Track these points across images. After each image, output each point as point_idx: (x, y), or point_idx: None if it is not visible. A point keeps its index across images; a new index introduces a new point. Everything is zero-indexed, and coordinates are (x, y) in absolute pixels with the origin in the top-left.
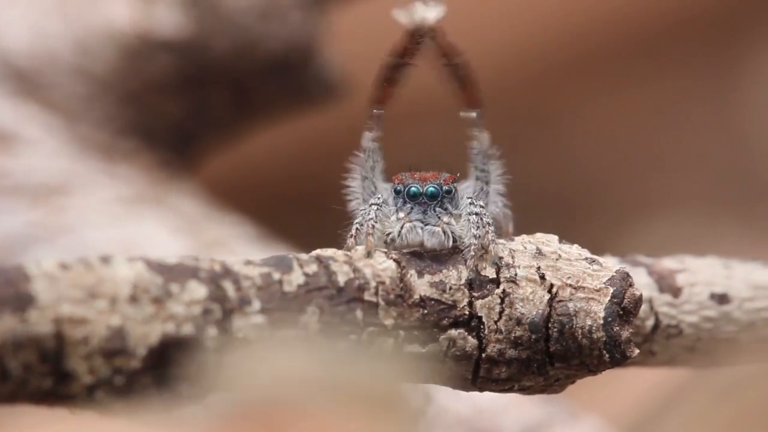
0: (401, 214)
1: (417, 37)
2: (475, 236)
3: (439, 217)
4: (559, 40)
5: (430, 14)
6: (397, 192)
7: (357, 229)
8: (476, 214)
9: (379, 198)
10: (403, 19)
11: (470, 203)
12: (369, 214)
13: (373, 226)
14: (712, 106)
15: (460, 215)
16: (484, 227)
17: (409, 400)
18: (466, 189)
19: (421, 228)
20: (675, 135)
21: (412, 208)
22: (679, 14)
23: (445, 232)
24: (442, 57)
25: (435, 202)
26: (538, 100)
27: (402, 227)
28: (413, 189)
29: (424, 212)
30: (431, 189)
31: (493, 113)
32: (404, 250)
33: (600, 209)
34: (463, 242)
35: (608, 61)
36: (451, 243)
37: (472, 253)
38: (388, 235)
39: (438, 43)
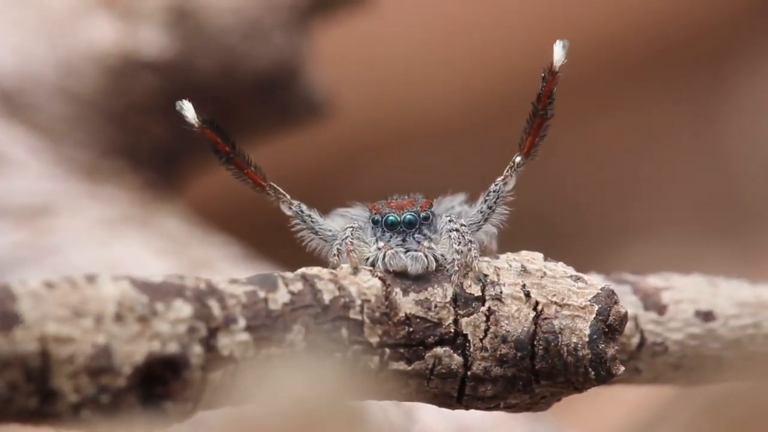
0: (381, 244)
1: (212, 128)
2: (457, 251)
3: (419, 243)
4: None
5: (563, 56)
6: (375, 222)
7: (338, 248)
8: (456, 230)
9: (354, 223)
10: (557, 56)
11: (449, 220)
12: (345, 234)
13: (352, 243)
14: (696, 130)
15: (440, 235)
16: (466, 244)
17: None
18: (449, 203)
19: (403, 253)
20: (659, 158)
21: (391, 237)
22: (663, 40)
23: (427, 256)
24: (540, 101)
25: (413, 230)
26: (524, 122)
27: (384, 254)
28: (391, 218)
29: (404, 240)
30: (409, 217)
31: (482, 135)
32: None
33: (585, 231)
34: (446, 260)
35: (594, 86)
36: (434, 265)
37: (456, 268)
38: (368, 259)
39: (547, 87)
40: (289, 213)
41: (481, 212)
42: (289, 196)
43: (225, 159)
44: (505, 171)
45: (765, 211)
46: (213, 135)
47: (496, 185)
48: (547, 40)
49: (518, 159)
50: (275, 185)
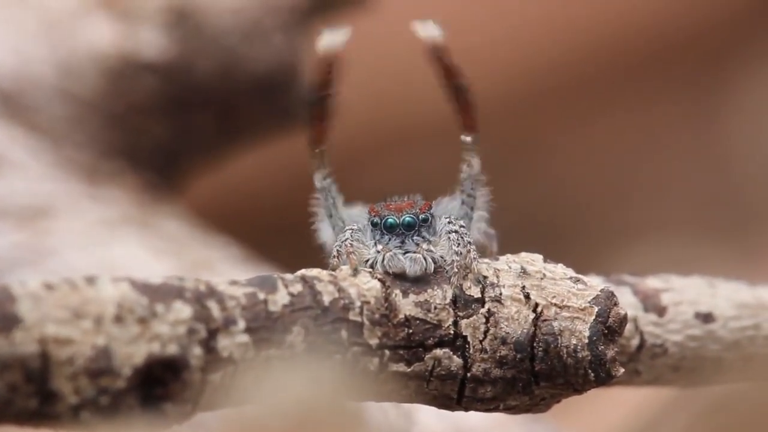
0: (380, 246)
1: (328, 66)
2: (456, 253)
3: (418, 245)
4: (545, 67)
5: (437, 32)
6: (374, 224)
7: (338, 250)
8: (455, 232)
9: (354, 225)
10: (423, 33)
11: (448, 222)
12: (345, 236)
13: (352, 245)
14: (696, 130)
15: (439, 237)
16: (465, 246)
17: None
18: (448, 204)
19: (402, 255)
20: (659, 158)
21: (390, 239)
22: (663, 40)
23: (426, 259)
24: (445, 77)
25: (412, 232)
26: (523, 124)
27: (383, 256)
28: (390, 220)
29: (402, 242)
30: (408, 219)
31: (481, 135)
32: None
33: (585, 232)
34: (445, 261)
35: (593, 87)
36: (433, 268)
37: (455, 269)
38: (367, 261)
39: (443, 63)
40: (318, 185)
41: (464, 202)
42: (329, 170)
43: (315, 99)
44: (463, 155)
45: (765, 212)
46: (327, 71)
47: (463, 172)
48: (547, 40)
49: (466, 138)
50: (326, 152)
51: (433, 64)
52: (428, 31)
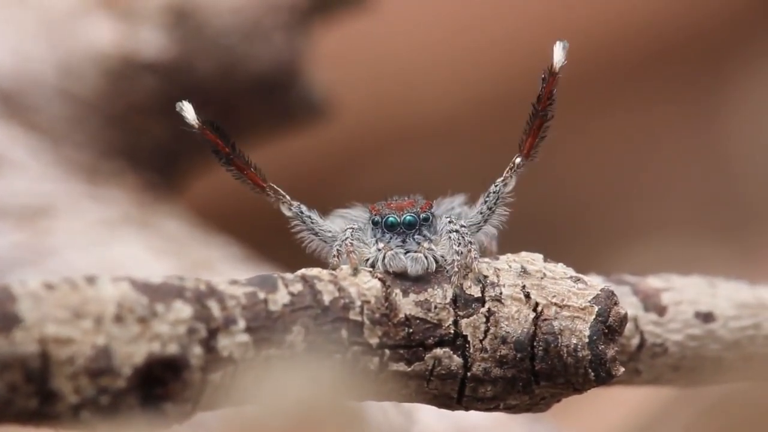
0: (381, 245)
1: (211, 129)
2: (457, 252)
3: (419, 244)
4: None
5: (563, 58)
6: (375, 223)
7: (338, 249)
8: (456, 231)
9: (354, 224)
10: (555, 53)
11: (449, 221)
12: (345, 235)
13: (352, 244)
14: (696, 130)
15: (440, 237)
16: (466, 245)
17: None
18: (449, 204)
19: (403, 254)
20: (659, 158)
21: (391, 238)
22: (663, 40)
23: (427, 258)
24: (540, 102)
25: (413, 231)
26: (523, 124)
27: (384, 255)
28: (391, 219)
29: (403, 241)
30: (409, 218)
31: (482, 135)
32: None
33: (585, 232)
34: (445, 261)
35: (594, 86)
36: (434, 267)
37: (456, 269)
38: (367, 260)
39: (547, 88)
40: (289, 214)
41: (481, 213)
42: (289, 197)
43: (225, 160)
44: (505, 172)
45: (765, 212)
46: (213, 136)
47: (495, 186)
48: (547, 40)
49: (518, 160)
50: (275, 186)
51: (540, 84)
52: (558, 54)
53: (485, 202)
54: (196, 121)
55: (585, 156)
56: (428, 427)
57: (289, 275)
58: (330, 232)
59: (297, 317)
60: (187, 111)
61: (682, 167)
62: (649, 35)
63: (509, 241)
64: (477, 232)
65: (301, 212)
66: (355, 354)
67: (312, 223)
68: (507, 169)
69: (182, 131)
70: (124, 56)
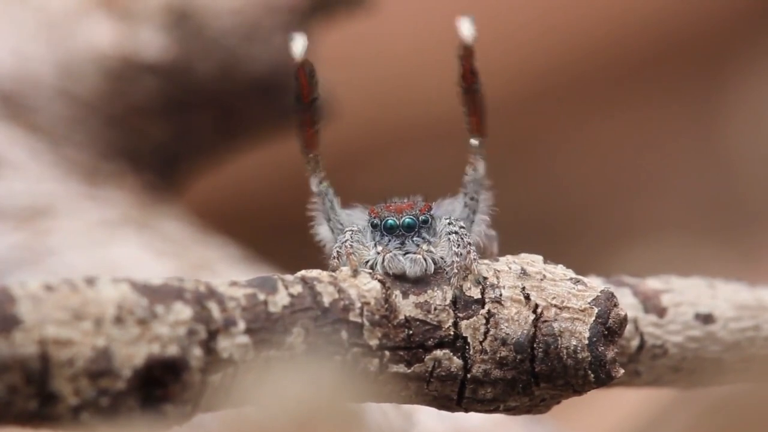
0: (380, 248)
1: (307, 71)
2: (456, 254)
3: (418, 246)
4: (545, 67)
5: (472, 33)
6: (374, 225)
7: (338, 251)
8: (455, 233)
9: (354, 226)
10: (461, 29)
11: (448, 223)
12: (344, 237)
13: (352, 245)
14: (696, 130)
15: (440, 238)
16: (465, 247)
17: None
18: (449, 206)
19: (402, 256)
20: (659, 160)
21: (390, 240)
22: (663, 40)
23: (426, 259)
24: (464, 78)
25: (412, 233)
26: (523, 124)
27: (383, 257)
28: (390, 221)
29: (402, 243)
30: (408, 220)
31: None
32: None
33: (584, 233)
34: (445, 262)
35: (593, 88)
36: (433, 268)
37: (455, 270)
38: (367, 262)
39: (467, 64)
40: (315, 189)
41: (466, 205)
42: (324, 174)
43: (301, 107)
44: (469, 158)
45: (765, 212)
46: (305, 79)
47: (468, 175)
48: (547, 40)
49: (474, 141)
50: (319, 157)
51: (459, 62)
52: (466, 29)
53: (465, 193)
54: (301, 56)
55: (584, 156)
56: (428, 429)
57: (289, 276)
58: (341, 224)
59: (297, 319)
60: (298, 43)
61: (682, 168)
62: (649, 35)
63: (509, 243)
64: (471, 224)
65: (327, 193)
66: (354, 355)
67: (330, 208)
68: (469, 154)
69: (182, 132)
70: (124, 57)
